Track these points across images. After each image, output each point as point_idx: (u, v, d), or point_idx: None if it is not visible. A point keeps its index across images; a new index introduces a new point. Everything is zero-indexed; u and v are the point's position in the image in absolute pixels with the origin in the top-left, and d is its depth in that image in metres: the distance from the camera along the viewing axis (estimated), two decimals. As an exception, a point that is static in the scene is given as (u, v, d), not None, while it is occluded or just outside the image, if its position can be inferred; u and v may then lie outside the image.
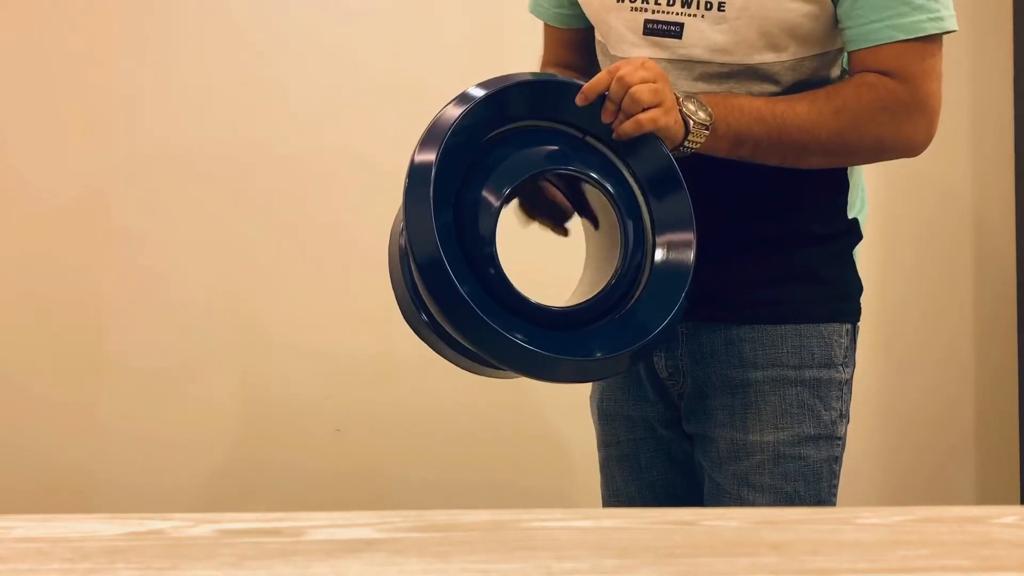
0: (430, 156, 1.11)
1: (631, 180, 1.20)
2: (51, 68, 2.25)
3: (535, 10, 1.45)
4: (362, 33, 2.29)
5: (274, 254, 2.29)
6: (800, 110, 1.20)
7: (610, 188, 1.18)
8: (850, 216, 1.33)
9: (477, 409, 2.30)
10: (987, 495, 2.43)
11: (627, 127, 1.15)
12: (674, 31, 1.23)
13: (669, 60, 1.24)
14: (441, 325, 1.16)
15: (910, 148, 1.25)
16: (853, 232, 1.34)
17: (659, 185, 1.19)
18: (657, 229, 1.20)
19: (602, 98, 1.16)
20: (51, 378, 2.24)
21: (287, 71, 2.30)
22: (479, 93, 1.14)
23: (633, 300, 1.20)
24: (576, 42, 1.43)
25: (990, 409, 2.44)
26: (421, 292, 1.13)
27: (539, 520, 0.70)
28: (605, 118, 1.16)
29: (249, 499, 2.26)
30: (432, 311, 1.15)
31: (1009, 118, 2.43)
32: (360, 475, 2.29)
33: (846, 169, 1.32)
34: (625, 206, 1.19)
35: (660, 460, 1.40)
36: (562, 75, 1.26)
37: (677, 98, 1.17)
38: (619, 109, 1.15)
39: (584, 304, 1.19)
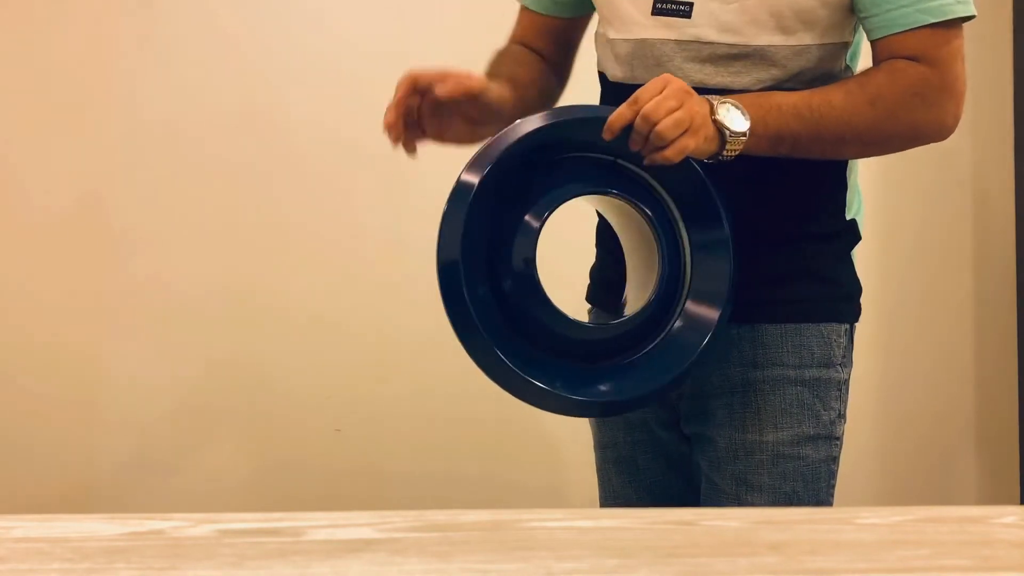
0: (472, 178, 1.16)
1: (668, 201, 1.22)
2: (50, 69, 2.25)
3: None
4: (363, 30, 2.29)
5: (274, 254, 2.28)
6: (836, 102, 1.19)
7: (648, 211, 1.20)
8: (848, 217, 1.33)
9: (477, 409, 2.29)
10: (987, 495, 2.43)
11: (656, 160, 1.15)
12: (684, 10, 1.22)
13: (676, 40, 1.23)
14: None
15: (941, 132, 1.23)
16: (852, 232, 1.33)
17: (694, 207, 1.21)
18: (695, 271, 1.22)
19: (629, 125, 1.15)
20: (51, 378, 2.24)
21: (287, 71, 2.30)
22: (522, 130, 1.18)
23: (665, 332, 1.22)
24: (552, 30, 1.42)
25: (990, 409, 2.44)
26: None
27: (539, 520, 0.70)
28: (633, 148, 1.16)
29: (249, 499, 2.26)
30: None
31: (1009, 118, 2.43)
32: (360, 475, 2.29)
33: (845, 168, 1.32)
34: (662, 229, 1.20)
35: (657, 462, 1.39)
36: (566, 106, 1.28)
37: (711, 105, 1.16)
38: (646, 139, 1.14)
39: (612, 332, 1.22)
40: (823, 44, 1.24)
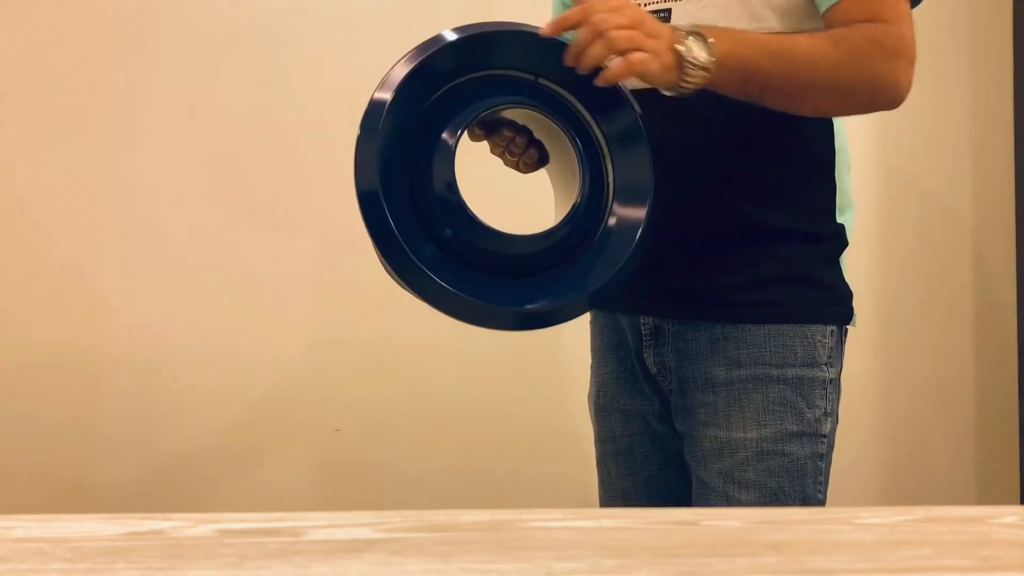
0: (384, 96, 1.14)
1: (588, 119, 1.22)
2: (52, 68, 2.25)
3: None
4: (361, 32, 2.30)
5: (274, 253, 2.29)
6: (801, 41, 1.18)
7: (564, 121, 1.20)
8: (837, 221, 1.34)
9: (478, 409, 2.30)
10: (987, 495, 2.43)
11: (617, 71, 1.11)
12: (664, 16, 1.27)
13: None
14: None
15: (895, 88, 1.21)
16: (840, 237, 1.34)
17: (612, 120, 1.21)
18: (617, 173, 1.22)
19: (554, 43, 1.14)
20: (51, 379, 2.24)
21: (289, 73, 2.30)
22: (437, 44, 1.16)
23: (598, 235, 1.22)
24: None
25: (990, 409, 2.44)
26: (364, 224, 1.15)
27: (539, 520, 0.70)
28: (568, 62, 1.13)
29: (249, 499, 2.26)
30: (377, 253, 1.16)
31: (1009, 119, 2.43)
32: (360, 475, 2.29)
33: (834, 168, 1.33)
34: (583, 143, 1.20)
35: (655, 455, 1.41)
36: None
37: (674, 34, 1.13)
38: (580, 53, 1.12)
39: (542, 245, 1.20)
40: (799, 31, 1.26)
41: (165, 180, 2.27)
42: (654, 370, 1.36)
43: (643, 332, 1.36)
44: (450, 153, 1.15)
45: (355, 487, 2.29)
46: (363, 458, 2.29)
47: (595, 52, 1.11)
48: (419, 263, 1.12)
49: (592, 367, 1.48)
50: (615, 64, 1.10)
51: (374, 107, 1.14)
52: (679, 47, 1.12)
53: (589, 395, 1.48)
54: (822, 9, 1.24)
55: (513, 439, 2.30)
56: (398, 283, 1.19)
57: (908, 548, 0.66)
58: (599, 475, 1.47)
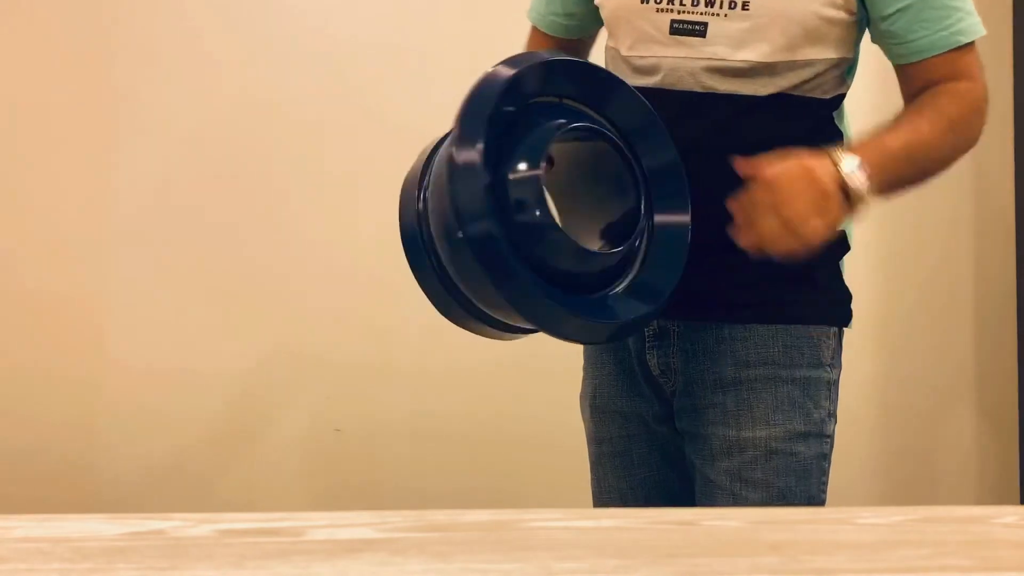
0: (477, 130, 1.11)
1: (615, 133, 1.23)
2: (52, 67, 2.26)
3: (532, 16, 1.49)
4: (361, 31, 2.30)
5: (274, 254, 2.29)
6: (924, 131, 1.24)
7: (614, 138, 1.20)
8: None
9: (477, 410, 2.30)
10: (987, 495, 2.43)
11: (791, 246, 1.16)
12: (699, 30, 1.27)
13: (694, 58, 1.28)
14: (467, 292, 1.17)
15: (978, 139, 1.31)
16: (843, 241, 1.36)
17: (644, 137, 1.23)
18: (652, 185, 1.22)
19: (578, 66, 1.21)
20: (51, 378, 2.24)
21: (288, 77, 2.30)
22: (498, 85, 1.15)
23: (643, 257, 1.22)
24: (564, 50, 1.45)
25: (990, 409, 2.44)
26: (466, 270, 1.13)
27: (539, 520, 0.70)
28: (741, 240, 1.18)
29: (249, 499, 2.27)
30: (478, 287, 1.15)
31: (1009, 118, 2.43)
32: (360, 475, 2.29)
33: None
34: (623, 158, 1.21)
35: (653, 456, 1.41)
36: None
37: (837, 167, 1.17)
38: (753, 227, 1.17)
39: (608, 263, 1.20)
40: (828, 59, 1.28)
41: (166, 181, 2.27)
42: (657, 371, 1.36)
43: (646, 334, 1.36)
44: (536, 182, 1.13)
45: (355, 487, 2.29)
46: (363, 458, 2.29)
47: (775, 237, 1.15)
48: (537, 291, 1.11)
49: (585, 368, 1.47)
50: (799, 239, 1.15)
51: (466, 164, 1.10)
52: (846, 184, 1.16)
53: (582, 396, 1.47)
54: (904, 62, 1.29)
55: (513, 439, 2.30)
56: (493, 315, 1.17)
57: (908, 548, 0.66)
58: (593, 476, 1.47)
